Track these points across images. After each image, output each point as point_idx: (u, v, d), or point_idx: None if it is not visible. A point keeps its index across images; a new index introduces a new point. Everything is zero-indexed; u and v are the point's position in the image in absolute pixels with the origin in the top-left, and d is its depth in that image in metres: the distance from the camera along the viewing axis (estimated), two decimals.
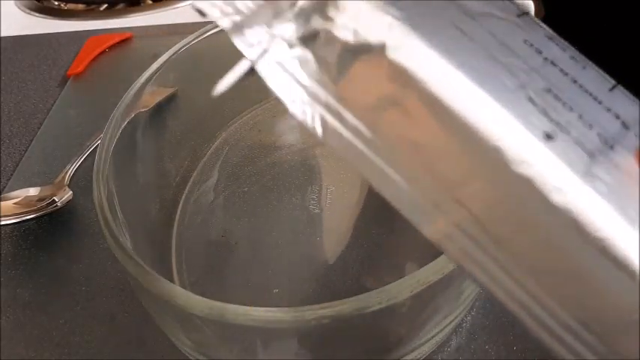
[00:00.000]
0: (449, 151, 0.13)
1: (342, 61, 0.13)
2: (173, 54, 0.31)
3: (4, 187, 0.36)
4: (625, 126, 0.14)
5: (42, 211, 0.32)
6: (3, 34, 0.57)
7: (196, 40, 0.32)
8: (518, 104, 0.13)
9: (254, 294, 0.27)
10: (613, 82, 0.15)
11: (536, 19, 0.16)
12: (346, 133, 0.14)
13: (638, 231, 0.12)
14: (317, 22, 0.13)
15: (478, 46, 0.14)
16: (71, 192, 0.33)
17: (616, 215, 0.12)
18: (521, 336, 0.25)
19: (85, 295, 0.29)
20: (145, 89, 0.29)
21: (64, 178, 0.34)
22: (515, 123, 0.13)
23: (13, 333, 0.28)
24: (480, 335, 0.26)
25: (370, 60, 0.13)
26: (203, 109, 0.36)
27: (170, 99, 0.32)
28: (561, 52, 0.15)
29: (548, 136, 0.13)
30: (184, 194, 0.32)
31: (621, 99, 0.15)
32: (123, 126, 0.27)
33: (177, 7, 0.60)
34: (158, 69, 0.30)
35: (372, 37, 0.13)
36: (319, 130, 0.14)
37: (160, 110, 0.31)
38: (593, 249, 0.12)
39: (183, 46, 0.31)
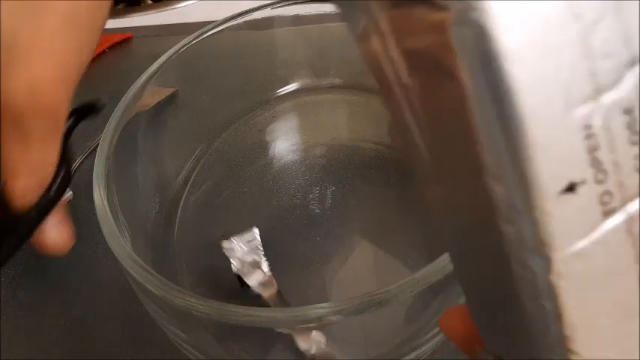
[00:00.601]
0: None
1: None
2: (173, 54, 0.31)
3: None
4: None
5: None
6: None
7: (196, 40, 0.32)
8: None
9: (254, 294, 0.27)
10: None
11: None
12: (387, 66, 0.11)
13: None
14: None
15: None
16: (71, 192, 0.33)
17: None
18: None
19: (85, 295, 0.29)
20: (145, 89, 0.29)
21: None
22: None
23: (13, 333, 0.28)
24: None
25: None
26: (203, 109, 0.36)
27: (170, 99, 0.32)
28: None
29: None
30: (184, 194, 0.32)
31: None
32: (123, 126, 0.27)
33: (177, 7, 0.60)
34: (158, 69, 0.30)
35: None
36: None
37: (160, 110, 0.31)
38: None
39: (183, 46, 0.31)
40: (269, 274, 0.26)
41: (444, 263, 0.19)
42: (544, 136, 0.10)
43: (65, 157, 0.22)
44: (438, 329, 0.22)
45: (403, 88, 0.11)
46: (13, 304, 0.29)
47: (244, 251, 0.27)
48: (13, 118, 0.18)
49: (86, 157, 0.36)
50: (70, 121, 0.23)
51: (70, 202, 0.33)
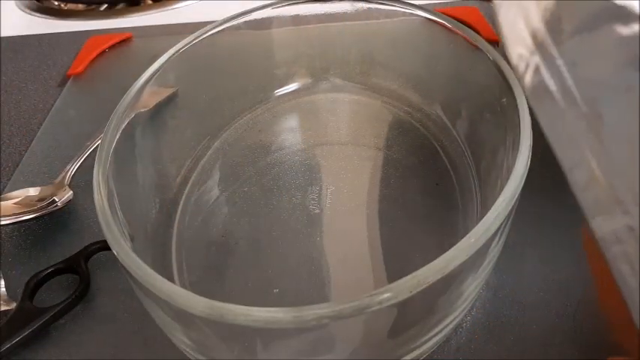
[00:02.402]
0: None
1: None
2: (173, 54, 0.31)
3: (4, 187, 0.36)
4: None
5: (42, 211, 0.32)
6: (3, 34, 0.57)
7: (196, 40, 0.32)
8: None
9: (254, 294, 0.27)
10: None
11: None
12: (559, 97, 0.12)
13: None
14: None
15: None
16: (71, 192, 0.33)
17: None
18: (521, 337, 0.25)
19: (85, 295, 0.29)
20: (145, 89, 0.29)
21: (64, 178, 0.34)
22: None
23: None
24: (480, 335, 0.26)
25: None
26: (203, 109, 0.36)
27: (170, 99, 0.32)
28: None
29: None
30: (184, 194, 0.32)
31: None
32: (123, 126, 0.27)
33: (177, 7, 0.60)
34: (158, 69, 0.30)
35: None
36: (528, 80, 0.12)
37: (159, 110, 0.31)
38: None
39: (183, 46, 0.31)
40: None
41: (444, 263, 0.19)
42: None
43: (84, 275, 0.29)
44: (438, 329, 0.22)
45: None
46: None
47: None
48: None
49: (86, 157, 0.36)
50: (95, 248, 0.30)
51: (70, 202, 0.33)
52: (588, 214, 0.13)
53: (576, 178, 0.12)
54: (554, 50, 0.12)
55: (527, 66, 0.13)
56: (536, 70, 0.12)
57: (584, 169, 0.12)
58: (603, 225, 0.12)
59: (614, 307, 0.15)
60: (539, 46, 0.12)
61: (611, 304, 0.16)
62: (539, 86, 0.12)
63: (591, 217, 0.13)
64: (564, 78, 0.12)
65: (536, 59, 0.12)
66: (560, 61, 0.12)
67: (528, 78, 0.13)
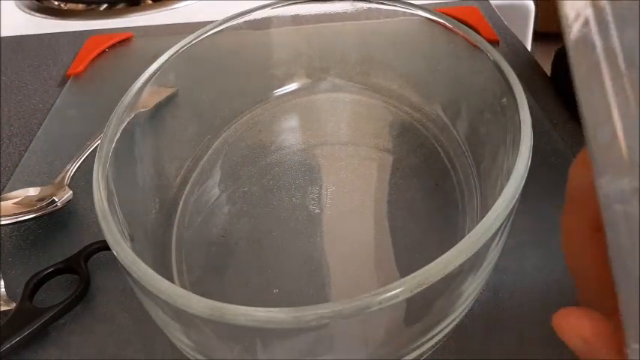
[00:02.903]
0: None
1: None
2: (173, 54, 0.31)
3: (4, 187, 0.36)
4: None
5: (42, 211, 0.32)
6: (3, 34, 0.57)
7: (196, 40, 0.32)
8: None
9: (254, 294, 0.27)
10: None
11: None
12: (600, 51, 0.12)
13: None
14: None
15: None
16: (71, 192, 0.33)
17: None
18: (521, 336, 0.25)
19: (85, 295, 0.29)
20: (145, 89, 0.29)
21: (64, 178, 0.34)
22: None
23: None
24: (480, 335, 0.26)
25: None
26: (203, 110, 0.36)
27: (170, 99, 0.32)
28: None
29: None
30: (184, 194, 0.32)
31: None
32: (123, 126, 0.27)
33: (177, 7, 0.60)
34: (158, 69, 0.30)
35: None
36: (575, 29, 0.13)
37: (159, 110, 0.31)
38: None
39: (183, 46, 0.31)
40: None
41: (444, 263, 0.19)
42: None
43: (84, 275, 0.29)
44: (438, 329, 0.22)
45: None
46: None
47: None
48: None
49: (86, 156, 0.36)
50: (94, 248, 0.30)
51: (69, 201, 0.33)
52: (598, 170, 0.13)
53: (598, 136, 0.13)
54: (607, 6, 0.12)
55: (577, 16, 0.13)
56: (586, 22, 0.13)
57: (608, 128, 0.12)
58: (611, 183, 0.13)
59: (579, 257, 0.16)
60: None
61: (574, 252, 0.16)
62: (584, 39, 0.13)
63: (601, 174, 0.13)
64: (610, 35, 0.12)
65: (588, 12, 0.13)
66: (610, 18, 0.12)
67: (575, 29, 0.13)
